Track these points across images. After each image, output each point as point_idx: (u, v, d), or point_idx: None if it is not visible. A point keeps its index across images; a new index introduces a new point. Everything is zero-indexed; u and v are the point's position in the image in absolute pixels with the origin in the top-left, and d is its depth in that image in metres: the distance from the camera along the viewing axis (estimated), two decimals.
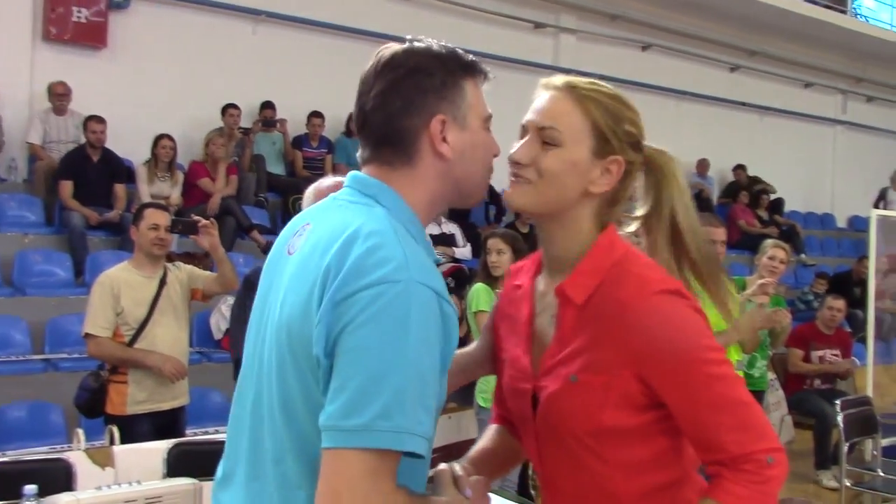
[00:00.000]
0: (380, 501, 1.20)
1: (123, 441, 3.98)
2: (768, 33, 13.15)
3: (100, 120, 7.23)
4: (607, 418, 1.42)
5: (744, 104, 13.28)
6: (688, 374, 1.37)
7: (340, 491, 1.19)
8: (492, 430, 1.81)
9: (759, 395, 5.31)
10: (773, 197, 12.70)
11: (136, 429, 4.12)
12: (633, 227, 1.57)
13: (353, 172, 1.48)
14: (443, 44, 1.46)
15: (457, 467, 1.47)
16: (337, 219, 1.37)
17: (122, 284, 4.19)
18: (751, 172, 12.67)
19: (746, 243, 11.56)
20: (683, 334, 1.39)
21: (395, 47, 1.45)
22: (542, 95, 1.51)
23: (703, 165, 12.33)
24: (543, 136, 1.46)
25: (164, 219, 4.30)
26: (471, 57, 1.47)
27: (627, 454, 1.45)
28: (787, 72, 13.85)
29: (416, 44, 1.45)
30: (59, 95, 7.41)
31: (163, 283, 4.27)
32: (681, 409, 1.40)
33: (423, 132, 1.39)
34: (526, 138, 1.49)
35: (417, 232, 1.39)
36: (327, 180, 2.70)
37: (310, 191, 2.74)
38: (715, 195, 12.57)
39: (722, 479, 1.38)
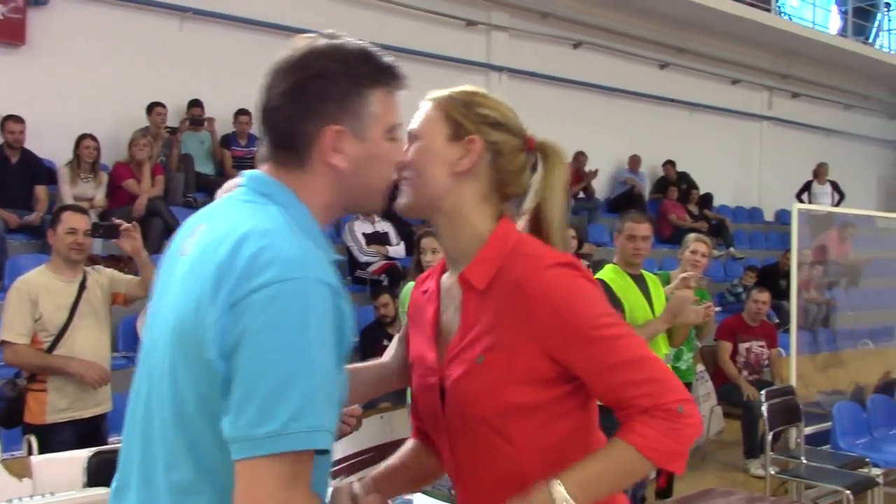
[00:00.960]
0: (302, 493, 1.20)
1: (43, 451, 3.87)
2: (696, 31, 13.39)
3: (18, 119, 7.03)
4: (512, 395, 1.46)
5: (673, 101, 13.50)
6: (590, 340, 1.43)
7: (260, 498, 1.18)
8: (406, 445, 1.82)
9: (686, 386, 5.38)
10: (702, 192, 12.93)
11: (56, 438, 4.01)
12: (521, 221, 1.65)
13: (249, 171, 1.45)
14: (361, 45, 1.43)
15: (356, 486, 1.47)
16: (229, 219, 1.34)
17: (40, 289, 4.07)
18: (681, 168, 12.88)
19: (678, 238, 11.72)
20: (579, 302, 1.45)
21: (306, 45, 1.42)
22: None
23: (634, 161, 12.49)
24: (410, 138, 1.60)
25: (82, 222, 4.18)
26: (387, 62, 1.44)
27: (538, 435, 1.49)
28: (715, 69, 14.11)
29: (331, 42, 1.42)
30: None
31: (83, 287, 4.16)
32: (588, 374, 1.45)
33: (318, 140, 1.38)
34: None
35: (313, 230, 1.37)
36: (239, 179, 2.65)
37: (221, 191, 2.68)
38: (647, 191, 12.75)
39: (632, 422, 1.42)
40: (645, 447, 1.40)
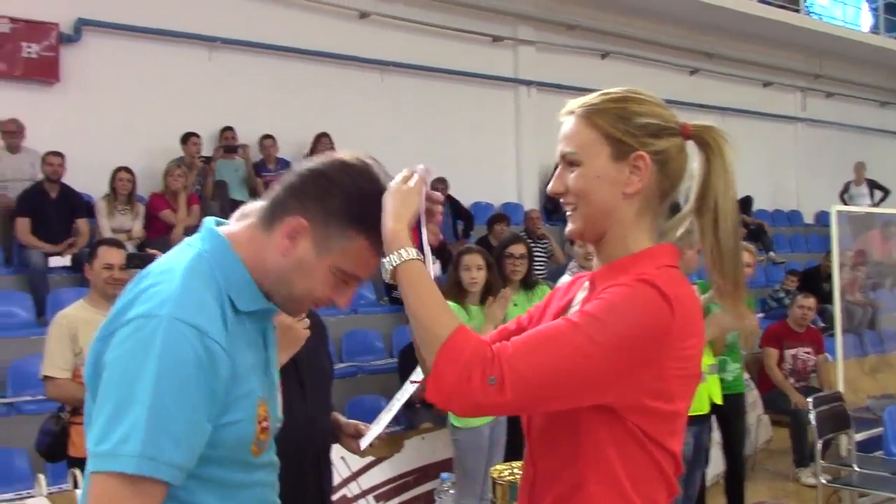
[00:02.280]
0: None
1: None
2: (725, 35, 13.28)
3: (57, 154, 7.13)
4: None
5: (704, 106, 13.35)
6: (577, 316, 1.41)
7: None
8: None
9: (737, 398, 5.30)
10: (740, 196, 12.75)
11: None
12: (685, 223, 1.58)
13: (209, 217, 1.57)
14: (378, 183, 1.48)
15: None
16: (161, 258, 1.50)
17: (79, 323, 4.10)
18: None
19: None
20: (617, 296, 1.41)
21: (357, 158, 1.50)
22: (561, 126, 1.56)
23: None
24: (567, 161, 1.53)
25: (118, 257, 4.21)
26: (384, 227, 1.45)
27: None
28: (746, 72, 13.99)
29: (370, 171, 1.49)
30: (10, 133, 7.31)
31: None
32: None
33: (288, 217, 1.46)
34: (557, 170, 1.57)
35: (233, 277, 1.46)
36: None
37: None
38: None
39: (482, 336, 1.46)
40: (461, 335, 1.37)
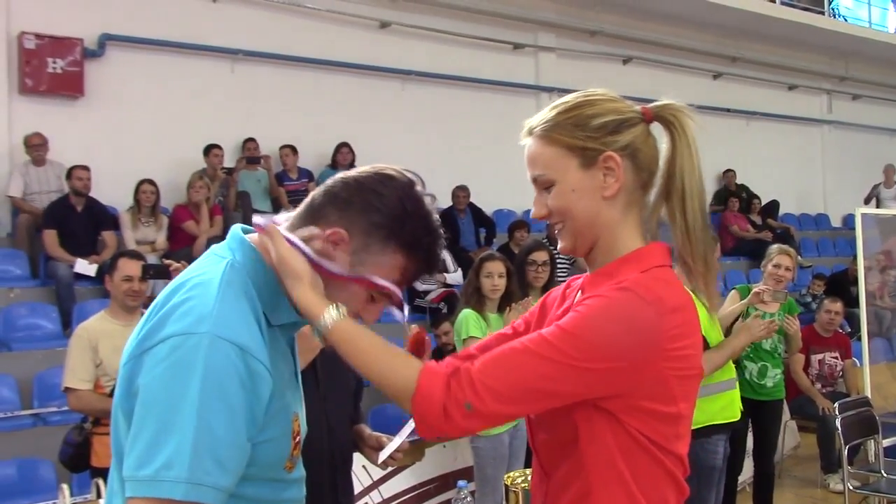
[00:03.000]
0: None
1: None
2: (749, 39, 13.19)
3: (84, 168, 7.21)
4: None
5: (729, 110, 13.28)
6: (550, 332, 1.39)
7: None
8: None
9: (775, 404, 5.24)
10: (765, 201, 12.67)
11: None
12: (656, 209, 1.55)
13: (236, 225, 1.50)
14: (432, 219, 1.44)
15: None
16: (190, 268, 1.42)
17: (99, 335, 4.13)
18: (740, 178, 12.65)
19: (741, 250, 11.52)
20: (593, 313, 1.39)
21: (406, 175, 1.46)
22: (524, 149, 1.55)
23: None
24: (539, 184, 1.52)
25: (137, 269, 4.24)
26: (433, 251, 1.44)
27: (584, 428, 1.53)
28: (771, 75, 13.88)
29: (417, 190, 1.44)
30: (35, 146, 7.41)
31: None
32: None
33: (327, 228, 1.40)
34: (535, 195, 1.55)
35: (262, 288, 1.40)
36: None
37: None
38: (706, 203, 12.51)
39: (446, 361, 1.45)
40: (426, 379, 1.37)
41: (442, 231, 1.46)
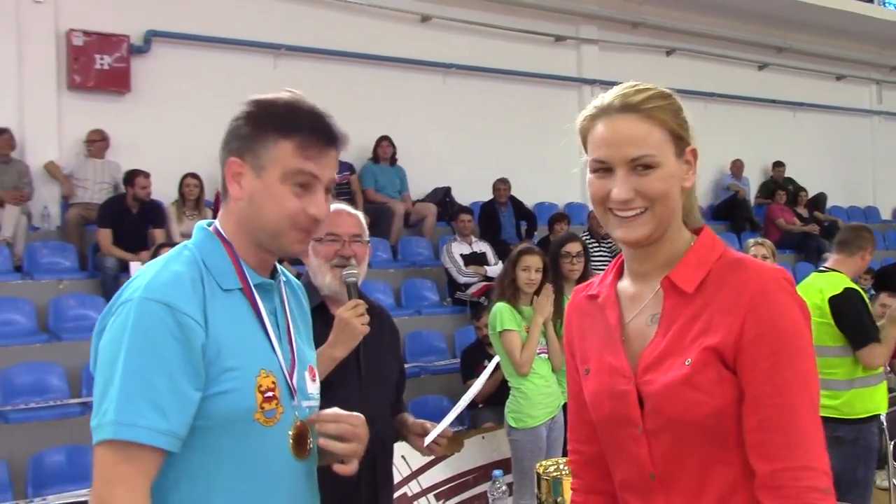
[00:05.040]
0: (121, 486, 1.41)
1: None
2: (795, 29, 12.98)
3: (147, 175, 7.36)
4: (721, 396, 1.42)
5: (775, 102, 13.09)
6: (787, 365, 1.38)
7: (95, 480, 1.44)
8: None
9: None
10: (811, 194, 12.47)
11: None
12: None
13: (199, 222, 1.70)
14: (294, 100, 1.63)
15: None
16: None
17: None
18: (787, 170, 12.48)
19: (788, 242, 11.35)
20: (796, 326, 1.40)
21: (251, 99, 1.66)
22: (607, 125, 1.48)
23: (736, 166, 12.16)
24: (638, 164, 1.45)
25: None
26: (306, 116, 1.61)
27: (740, 435, 1.43)
28: (818, 66, 13.64)
29: (271, 96, 1.65)
30: (95, 142, 7.67)
31: None
32: (761, 401, 1.39)
33: (226, 170, 1.62)
34: (615, 176, 1.47)
35: (212, 260, 1.59)
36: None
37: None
38: (752, 195, 12.38)
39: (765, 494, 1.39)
40: None
41: (307, 107, 1.63)
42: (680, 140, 1.47)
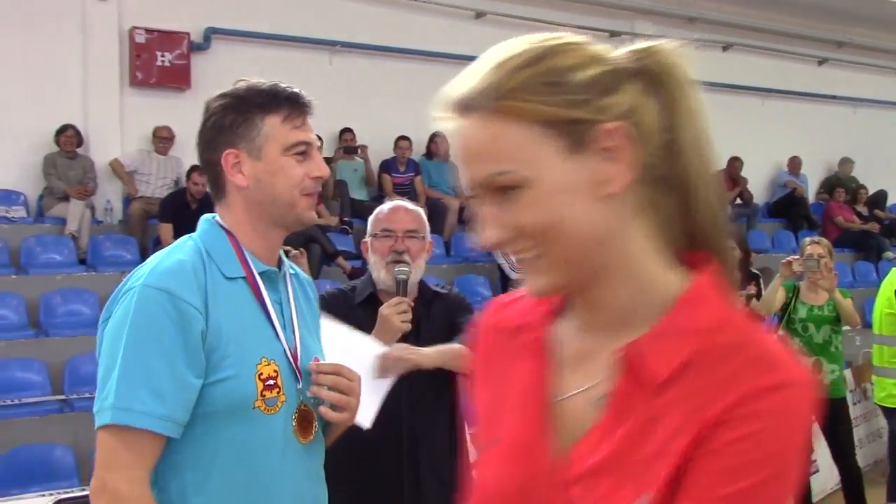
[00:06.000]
0: (121, 471, 1.45)
1: None
2: (856, 23, 12.71)
3: (202, 171, 7.46)
4: None
5: (835, 97, 12.84)
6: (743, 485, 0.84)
7: (96, 464, 1.48)
8: None
9: (834, 403, 5.01)
10: (873, 191, 12.22)
11: None
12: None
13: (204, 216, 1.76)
14: (255, 83, 1.68)
15: None
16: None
17: None
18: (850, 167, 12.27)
19: (846, 240, 11.14)
20: (780, 443, 0.86)
21: (215, 95, 1.71)
22: (449, 133, 0.94)
23: (794, 163, 11.97)
24: (495, 186, 0.90)
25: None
26: (275, 91, 1.66)
27: None
28: (880, 60, 13.33)
29: (234, 87, 1.69)
30: (163, 138, 7.87)
31: None
32: None
33: (221, 165, 1.65)
34: (480, 205, 0.93)
35: (214, 250, 1.63)
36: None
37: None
38: (810, 193, 12.17)
39: None
40: None
41: (270, 85, 1.68)
42: (568, 126, 0.88)
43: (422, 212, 2.78)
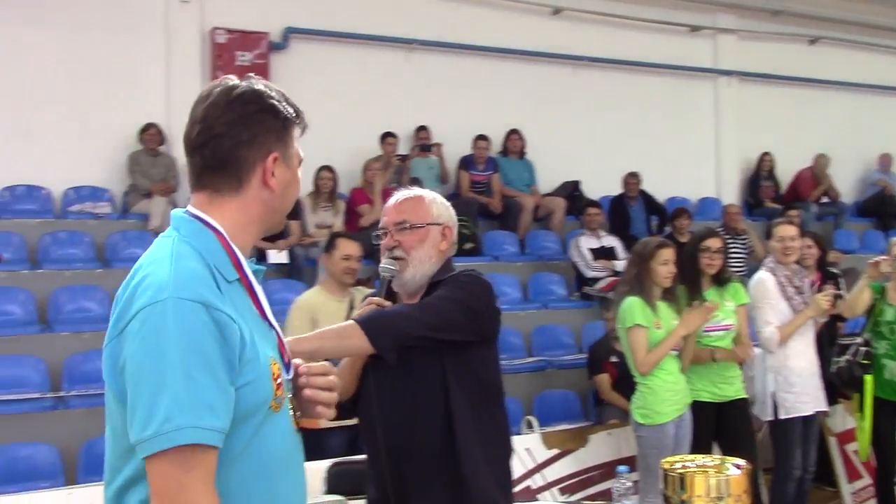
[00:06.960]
0: (195, 490, 1.41)
1: (314, 456, 4.10)
2: None
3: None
4: None
5: None
6: None
7: (162, 490, 1.42)
8: None
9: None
10: None
11: (329, 442, 4.41)
12: None
13: (175, 209, 1.69)
14: (277, 89, 1.68)
15: None
16: (146, 254, 1.59)
17: (318, 307, 4.56)
18: None
19: None
20: None
21: (244, 84, 1.65)
22: None
23: (885, 160, 11.53)
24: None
25: (355, 250, 4.60)
26: (297, 107, 1.70)
27: None
28: None
29: (259, 86, 1.65)
30: None
31: (351, 306, 4.55)
32: None
33: (259, 165, 1.62)
34: None
35: (210, 252, 1.57)
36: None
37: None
38: None
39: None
40: None
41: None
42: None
43: (421, 196, 2.62)
